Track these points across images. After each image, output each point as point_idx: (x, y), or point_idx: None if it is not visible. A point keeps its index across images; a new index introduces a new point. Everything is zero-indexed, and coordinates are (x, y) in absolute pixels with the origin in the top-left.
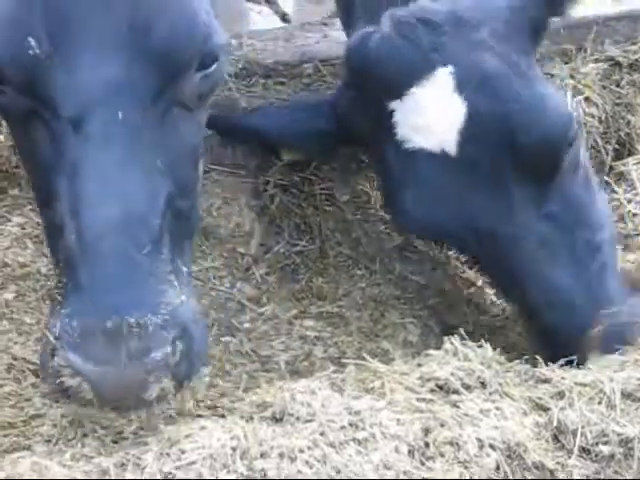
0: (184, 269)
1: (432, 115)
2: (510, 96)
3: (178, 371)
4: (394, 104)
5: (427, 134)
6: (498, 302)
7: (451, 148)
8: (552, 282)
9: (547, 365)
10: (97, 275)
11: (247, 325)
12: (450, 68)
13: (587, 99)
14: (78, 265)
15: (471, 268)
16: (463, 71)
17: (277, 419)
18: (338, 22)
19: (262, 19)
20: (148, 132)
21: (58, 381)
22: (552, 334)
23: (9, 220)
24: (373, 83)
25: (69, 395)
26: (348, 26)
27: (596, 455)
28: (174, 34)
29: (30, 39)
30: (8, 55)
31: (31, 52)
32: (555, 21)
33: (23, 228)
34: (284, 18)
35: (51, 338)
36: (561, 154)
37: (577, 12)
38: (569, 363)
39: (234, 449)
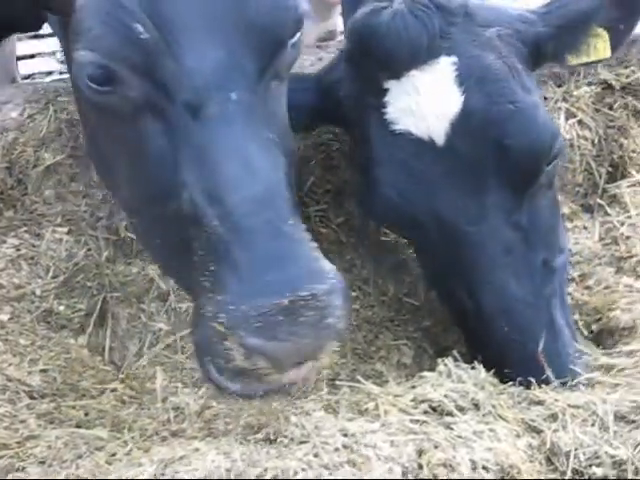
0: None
1: (426, 101)
2: (506, 98)
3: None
4: (390, 83)
5: (417, 119)
6: None
7: (439, 137)
8: (505, 291)
9: (540, 387)
10: (257, 254)
11: None
12: (454, 58)
13: (580, 122)
14: (230, 249)
15: None
16: (466, 64)
17: (271, 440)
18: (332, 45)
19: None
20: (259, 108)
21: (232, 364)
22: (490, 339)
23: (4, 242)
24: (374, 58)
25: (243, 375)
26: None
27: (589, 477)
28: (274, 8)
29: (137, 25)
30: (117, 46)
31: (139, 39)
32: None
33: (18, 249)
34: None
35: (217, 327)
36: (541, 166)
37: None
38: (563, 384)
39: (228, 470)
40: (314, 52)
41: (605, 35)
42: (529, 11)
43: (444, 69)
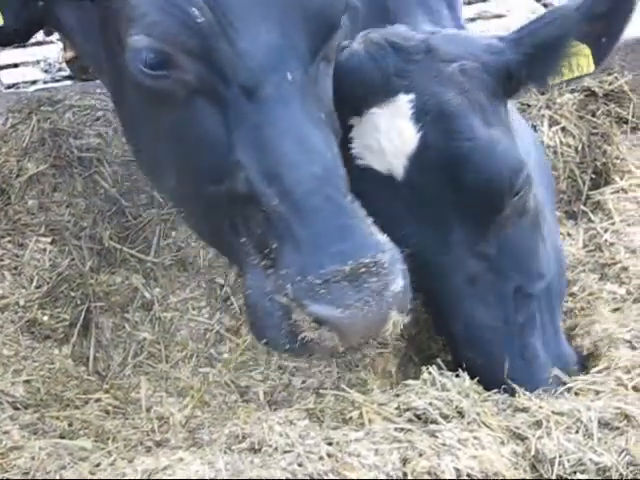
0: None
1: (385, 138)
2: (463, 134)
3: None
4: (354, 120)
5: (378, 155)
6: None
7: (398, 173)
8: (474, 319)
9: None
10: (318, 229)
11: (226, 355)
12: (411, 96)
13: (564, 129)
14: (291, 225)
15: None
16: (423, 101)
17: (255, 450)
18: None
19: None
20: (311, 88)
21: (299, 337)
22: (468, 365)
23: None
24: (339, 96)
25: (310, 348)
26: None
27: None
28: None
29: (193, 10)
30: (173, 30)
31: (195, 23)
32: None
33: (1, 260)
34: None
35: (282, 300)
36: (502, 201)
37: None
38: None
39: None
40: None
41: (586, 50)
42: (499, 39)
43: (401, 107)
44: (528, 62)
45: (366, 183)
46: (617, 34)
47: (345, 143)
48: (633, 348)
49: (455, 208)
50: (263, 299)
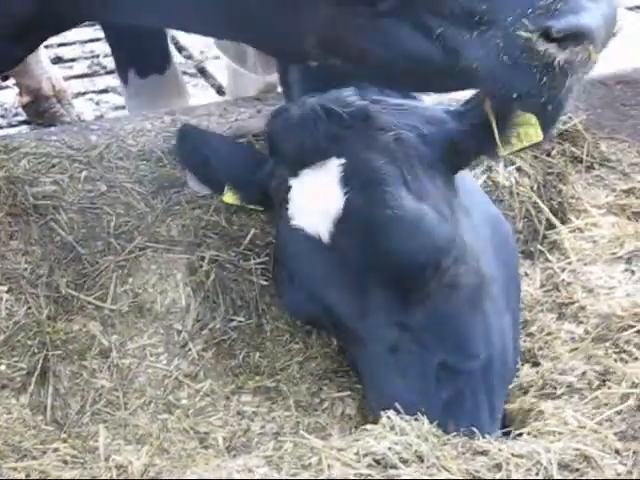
0: None
1: (313, 200)
2: (386, 203)
3: None
4: (291, 180)
5: (308, 216)
6: None
7: (324, 236)
8: (390, 391)
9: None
10: None
11: (185, 402)
12: (342, 160)
13: (519, 169)
14: None
15: None
16: (352, 166)
17: None
18: (271, 97)
19: (198, 92)
20: None
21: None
22: None
23: None
24: (277, 157)
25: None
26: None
27: None
28: None
29: None
30: None
31: None
32: None
33: None
34: (220, 91)
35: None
36: (423, 276)
37: None
38: (506, 434)
39: None
40: (253, 105)
41: (533, 119)
42: (445, 110)
43: (331, 170)
44: (474, 133)
45: (298, 245)
46: (562, 103)
47: (284, 203)
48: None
49: (376, 276)
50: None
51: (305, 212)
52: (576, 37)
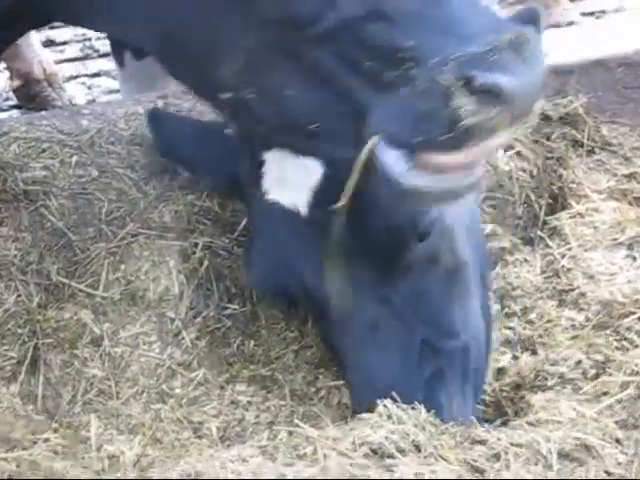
0: None
1: (290, 171)
2: None
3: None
4: (266, 155)
5: (283, 189)
6: None
7: (303, 207)
8: (366, 365)
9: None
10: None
11: (178, 391)
12: None
13: (519, 154)
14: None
15: None
16: None
17: None
18: None
19: None
20: None
21: (455, 129)
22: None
23: None
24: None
25: (464, 139)
26: None
27: None
28: None
29: None
30: None
31: None
32: None
33: None
34: None
35: (441, 81)
36: (404, 245)
37: None
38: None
39: None
40: None
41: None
42: None
43: None
44: None
45: (274, 219)
46: None
47: (257, 181)
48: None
49: (357, 247)
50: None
51: (281, 185)
52: (496, 97)
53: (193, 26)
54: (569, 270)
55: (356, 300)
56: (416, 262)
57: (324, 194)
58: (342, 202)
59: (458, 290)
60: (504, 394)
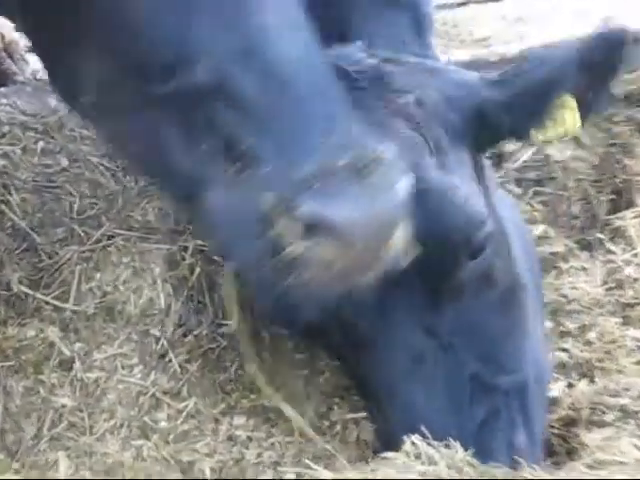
0: None
1: None
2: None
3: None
4: None
5: None
6: None
7: None
8: (408, 406)
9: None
10: (306, 115)
11: (164, 424)
12: None
13: (575, 140)
14: (269, 115)
15: None
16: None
17: None
18: None
19: None
20: None
21: (279, 256)
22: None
23: None
24: None
25: (293, 268)
26: None
27: None
28: None
29: None
30: None
31: None
32: None
33: None
34: None
35: (262, 207)
36: (456, 258)
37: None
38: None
39: None
40: None
41: (573, 104)
42: (479, 77)
43: None
44: (508, 107)
45: None
46: (604, 90)
47: None
48: None
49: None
50: (235, 210)
51: None
52: (321, 228)
53: None
54: (635, 280)
55: (397, 327)
56: (467, 284)
57: None
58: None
59: (515, 315)
60: (555, 430)
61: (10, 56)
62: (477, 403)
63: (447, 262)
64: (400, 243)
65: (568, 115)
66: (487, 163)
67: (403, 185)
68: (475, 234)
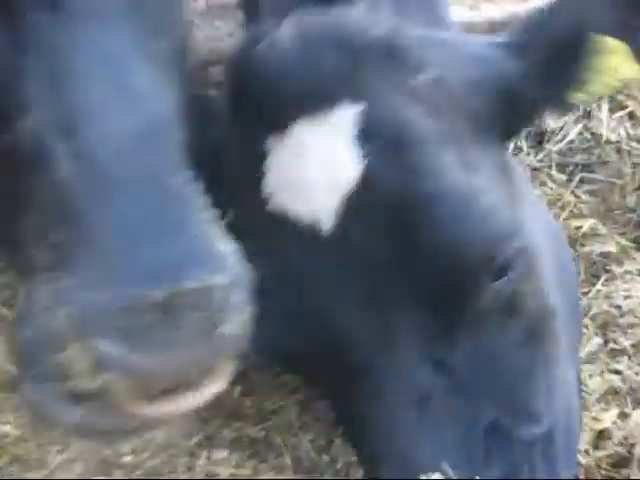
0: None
1: (312, 167)
2: (426, 173)
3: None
4: (270, 142)
5: (300, 193)
6: None
7: (325, 222)
8: (419, 463)
9: None
10: (123, 220)
11: (129, 459)
12: (356, 110)
13: (632, 115)
14: (83, 208)
15: None
16: (374, 118)
17: None
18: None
19: None
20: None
21: (71, 384)
22: None
23: None
24: (248, 105)
25: (83, 399)
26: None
27: None
28: None
29: None
30: None
31: None
32: None
33: None
34: None
35: (56, 325)
36: (477, 276)
37: None
38: None
39: None
40: (234, 17)
41: (622, 47)
42: (496, 44)
43: (341, 124)
44: (539, 73)
45: (279, 237)
46: None
47: (257, 180)
48: None
49: (406, 285)
50: (32, 318)
51: (294, 188)
52: (109, 364)
53: None
54: None
55: (400, 360)
56: (487, 311)
57: (360, 202)
58: None
59: (544, 352)
60: (602, 471)
61: None
62: (494, 458)
63: (464, 283)
64: (212, 390)
65: (617, 61)
66: (521, 157)
67: (231, 326)
68: (500, 251)
